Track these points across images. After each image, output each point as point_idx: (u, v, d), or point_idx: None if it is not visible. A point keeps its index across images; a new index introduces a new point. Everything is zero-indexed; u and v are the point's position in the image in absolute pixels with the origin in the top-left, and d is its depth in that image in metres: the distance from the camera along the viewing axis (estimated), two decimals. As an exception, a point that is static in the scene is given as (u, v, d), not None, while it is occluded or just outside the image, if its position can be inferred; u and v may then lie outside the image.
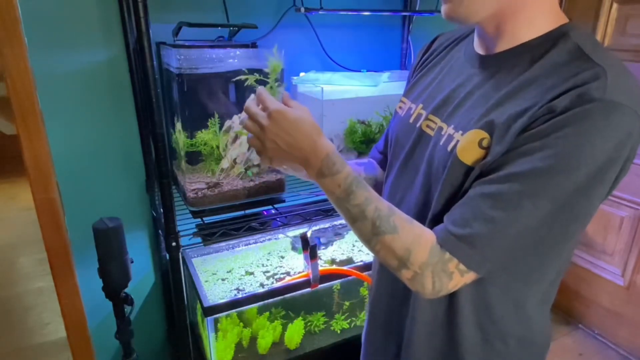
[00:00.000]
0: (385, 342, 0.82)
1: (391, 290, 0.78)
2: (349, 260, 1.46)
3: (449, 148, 0.64)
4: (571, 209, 0.55)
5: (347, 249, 1.53)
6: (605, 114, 0.51)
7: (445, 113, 0.69)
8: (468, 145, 0.61)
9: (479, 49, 0.68)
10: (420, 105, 0.75)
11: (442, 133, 0.67)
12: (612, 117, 0.51)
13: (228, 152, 1.12)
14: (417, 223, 0.62)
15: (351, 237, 1.63)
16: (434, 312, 0.71)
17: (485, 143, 0.59)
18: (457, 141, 0.63)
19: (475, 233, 0.56)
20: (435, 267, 0.58)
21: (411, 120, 0.76)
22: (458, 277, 0.59)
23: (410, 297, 0.73)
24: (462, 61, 0.72)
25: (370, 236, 0.62)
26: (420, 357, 0.74)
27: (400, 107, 0.82)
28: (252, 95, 0.69)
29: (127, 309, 1.10)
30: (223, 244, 1.47)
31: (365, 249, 1.53)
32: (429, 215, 0.66)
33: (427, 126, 0.72)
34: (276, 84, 0.72)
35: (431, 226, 0.63)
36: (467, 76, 0.68)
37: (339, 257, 1.48)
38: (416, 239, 0.60)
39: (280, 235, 1.57)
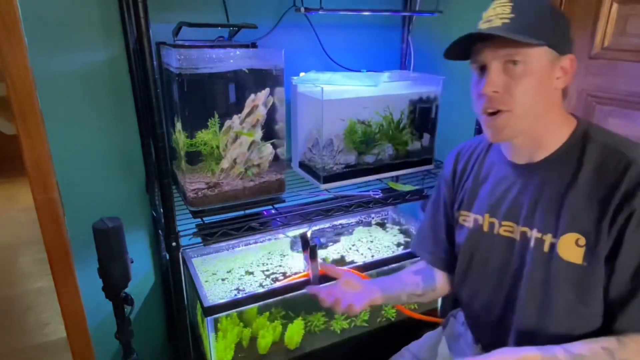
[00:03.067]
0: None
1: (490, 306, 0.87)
2: (349, 261, 1.46)
3: (545, 249, 0.75)
4: None
5: (347, 249, 1.53)
6: None
7: (519, 218, 0.79)
8: (567, 246, 0.72)
9: (517, 159, 0.81)
10: (487, 215, 0.85)
11: (528, 236, 0.77)
12: None
13: (228, 152, 1.12)
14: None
15: (351, 237, 1.63)
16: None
17: (581, 242, 0.71)
18: (552, 243, 0.74)
19: None
20: None
21: (486, 230, 0.85)
22: None
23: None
24: (504, 172, 0.84)
25: None
26: None
27: (464, 220, 0.91)
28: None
29: (127, 309, 1.10)
30: (223, 244, 1.47)
31: (363, 249, 1.53)
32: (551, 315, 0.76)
33: (506, 231, 0.82)
34: None
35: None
36: (521, 184, 0.80)
37: (339, 257, 1.48)
38: None
39: (280, 235, 1.57)
